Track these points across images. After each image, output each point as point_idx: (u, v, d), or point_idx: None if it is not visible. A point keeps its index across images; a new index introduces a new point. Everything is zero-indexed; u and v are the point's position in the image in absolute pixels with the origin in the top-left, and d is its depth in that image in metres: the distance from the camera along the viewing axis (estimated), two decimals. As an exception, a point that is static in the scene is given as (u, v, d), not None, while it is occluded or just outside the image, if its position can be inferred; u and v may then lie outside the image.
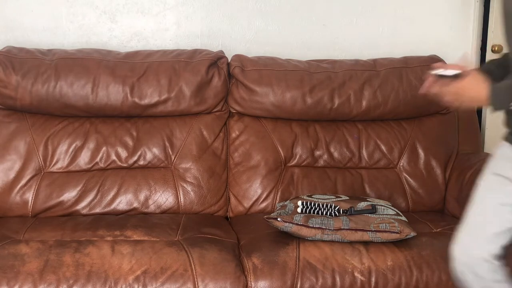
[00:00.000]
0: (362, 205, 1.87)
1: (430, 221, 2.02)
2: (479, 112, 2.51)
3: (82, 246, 1.70)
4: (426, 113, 2.29)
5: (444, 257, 1.71)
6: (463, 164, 2.20)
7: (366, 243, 1.76)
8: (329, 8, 2.45)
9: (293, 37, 2.44)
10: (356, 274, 1.68)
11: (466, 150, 2.29)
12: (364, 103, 2.21)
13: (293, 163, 2.21)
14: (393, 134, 2.26)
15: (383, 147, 2.24)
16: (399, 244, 1.77)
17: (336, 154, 2.22)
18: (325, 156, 2.22)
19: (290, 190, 2.15)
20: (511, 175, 1.47)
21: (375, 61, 2.30)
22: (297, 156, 2.21)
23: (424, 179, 2.23)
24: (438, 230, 1.95)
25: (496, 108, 1.39)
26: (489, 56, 2.51)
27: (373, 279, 1.68)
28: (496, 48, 2.50)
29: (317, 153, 2.22)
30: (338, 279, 1.68)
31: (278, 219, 1.78)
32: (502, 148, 1.53)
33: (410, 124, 2.28)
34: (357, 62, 2.29)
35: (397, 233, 1.75)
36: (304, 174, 2.19)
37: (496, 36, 2.49)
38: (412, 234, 1.77)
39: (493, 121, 2.51)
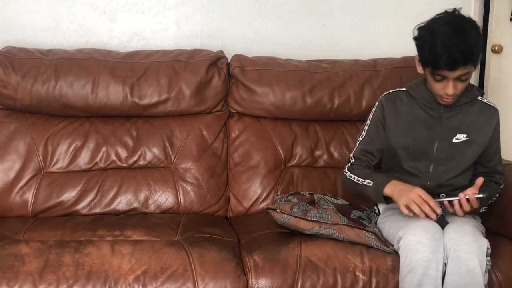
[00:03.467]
0: (355, 214, 1.85)
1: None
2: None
3: (82, 246, 1.69)
4: (426, 113, 2.29)
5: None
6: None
7: (367, 245, 1.75)
8: (329, 8, 2.45)
9: (293, 37, 2.44)
10: (357, 273, 1.67)
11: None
12: (364, 103, 2.20)
13: (293, 163, 2.20)
14: (393, 134, 2.25)
15: (383, 147, 2.24)
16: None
17: (336, 154, 2.21)
18: (325, 156, 2.21)
19: (290, 190, 2.13)
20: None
21: (375, 61, 2.29)
22: (297, 156, 2.20)
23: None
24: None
25: None
26: (489, 56, 2.51)
27: (374, 279, 1.67)
28: (496, 48, 2.49)
29: (317, 153, 2.21)
30: (339, 278, 1.67)
31: (277, 210, 1.77)
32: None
33: (410, 124, 2.28)
34: (357, 62, 2.28)
35: (383, 243, 1.75)
36: (304, 174, 2.18)
37: (496, 36, 2.49)
38: (390, 249, 1.73)
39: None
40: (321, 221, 1.76)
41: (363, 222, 1.81)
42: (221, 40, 2.37)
